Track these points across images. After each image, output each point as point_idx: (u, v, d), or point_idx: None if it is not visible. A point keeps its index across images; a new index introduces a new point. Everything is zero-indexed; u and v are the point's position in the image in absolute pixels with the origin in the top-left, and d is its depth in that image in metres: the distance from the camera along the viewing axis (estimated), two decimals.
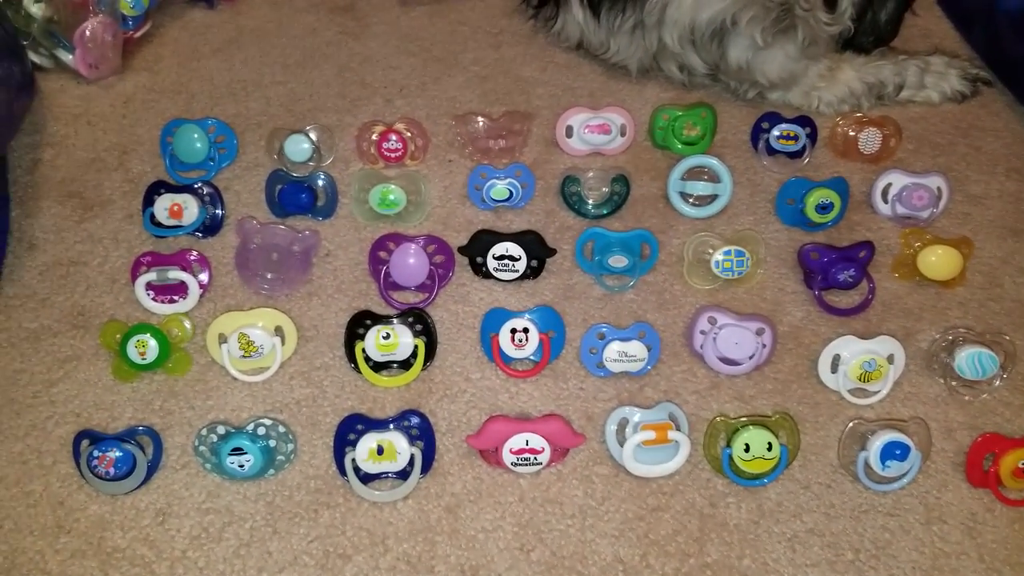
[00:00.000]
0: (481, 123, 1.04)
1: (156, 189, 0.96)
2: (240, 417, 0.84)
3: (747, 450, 0.80)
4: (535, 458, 0.80)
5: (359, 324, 0.87)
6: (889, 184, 1.02)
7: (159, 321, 0.88)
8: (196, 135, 1.00)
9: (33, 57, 1.11)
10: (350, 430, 0.80)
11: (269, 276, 0.92)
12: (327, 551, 0.76)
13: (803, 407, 0.87)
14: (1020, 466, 0.81)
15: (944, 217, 1.03)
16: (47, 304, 0.92)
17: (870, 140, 1.08)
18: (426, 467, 0.81)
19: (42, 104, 1.11)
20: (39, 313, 0.91)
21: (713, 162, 1.00)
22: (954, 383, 0.88)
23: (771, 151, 1.07)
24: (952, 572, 0.77)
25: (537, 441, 0.80)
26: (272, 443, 0.80)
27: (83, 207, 1.00)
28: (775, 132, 1.06)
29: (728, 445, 0.81)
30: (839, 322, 0.93)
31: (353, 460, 0.79)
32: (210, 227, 0.97)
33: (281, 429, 0.81)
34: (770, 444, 0.80)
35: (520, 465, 0.80)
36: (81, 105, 1.11)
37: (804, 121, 1.07)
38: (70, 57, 1.11)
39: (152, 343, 0.84)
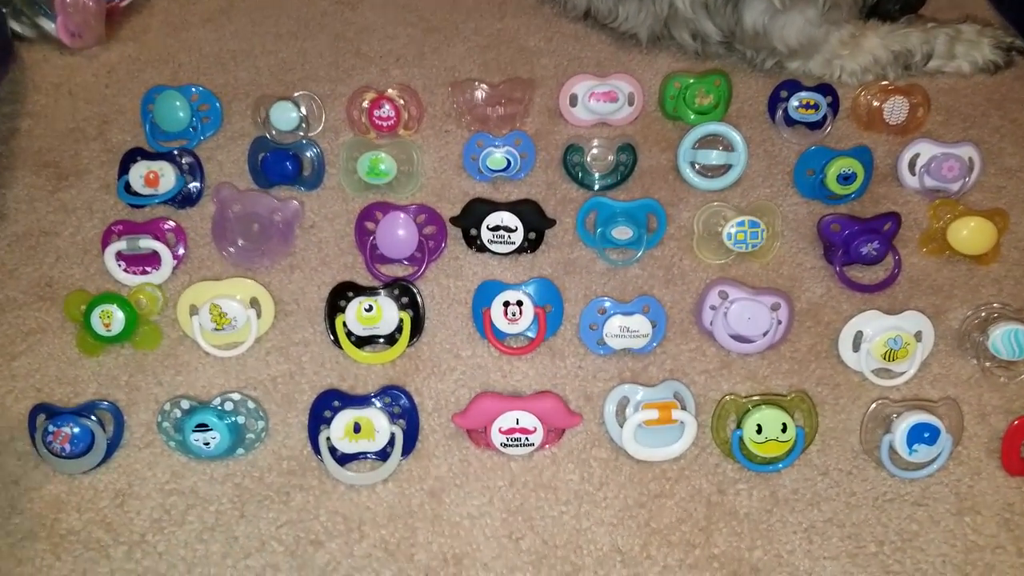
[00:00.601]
0: (480, 90, 0.98)
1: (132, 156, 0.91)
2: (211, 394, 0.78)
3: (759, 431, 0.73)
4: (527, 439, 0.74)
5: (341, 296, 0.81)
6: (917, 154, 0.95)
7: (127, 292, 0.82)
8: (178, 102, 0.95)
9: (15, 26, 1.06)
10: (326, 407, 0.75)
11: (248, 247, 0.86)
12: (298, 537, 0.71)
13: (822, 388, 0.80)
14: None
15: (976, 190, 0.95)
16: (14, 275, 0.87)
17: (896, 110, 1.01)
18: (408, 448, 0.75)
19: (23, 75, 1.06)
20: (4, 284, 0.86)
21: (727, 130, 0.93)
22: (988, 363, 0.81)
23: (790, 121, 1.00)
24: (986, 567, 0.71)
25: (529, 420, 0.74)
26: (241, 420, 0.74)
27: (58, 177, 0.95)
28: (794, 101, 0.99)
29: (739, 426, 0.75)
30: (862, 299, 0.86)
31: (328, 439, 0.73)
32: (188, 197, 0.91)
33: (251, 405, 0.75)
34: (784, 425, 0.73)
35: (510, 446, 0.74)
36: (63, 75, 1.06)
37: (825, 89, 1.00)
38: (52, 25, 1.06)
39: (118, 314, 0.79)
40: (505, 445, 0.74)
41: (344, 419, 0.72)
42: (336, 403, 0.75)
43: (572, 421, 0.76)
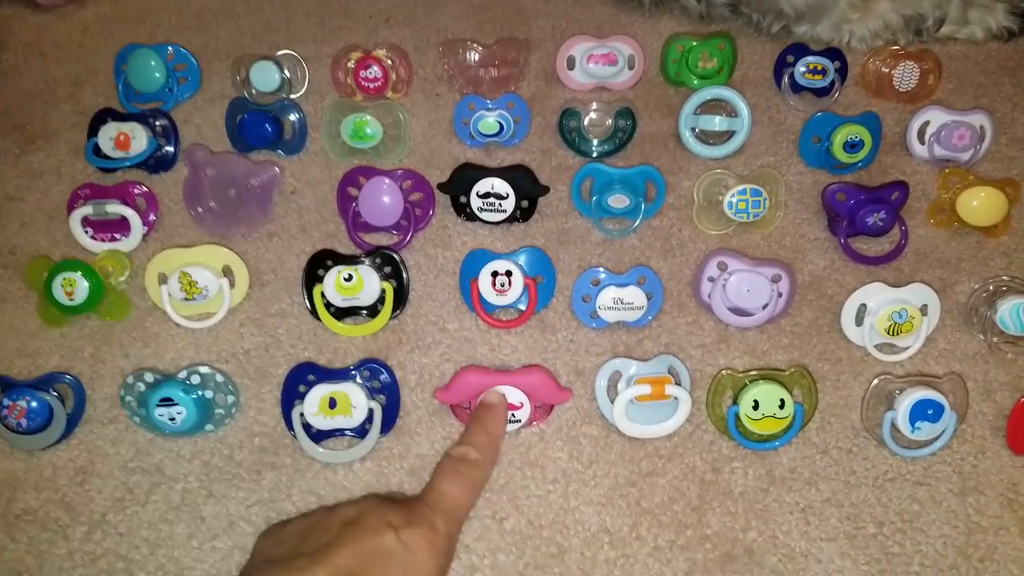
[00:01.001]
0: (472, 51, 0.94)
1: (103, 118, 0.87)
2: (180, 367, 0.74)
3: (756, 408, 0.70)
4: (513, 415, 0.71)
5: (319, 265, 0.77)
6: (927, 122, 0.91)
7: (93, 259, 0.78)
8: (152, 62, 0.91)
9: None
10: (300, 381, 0.71)
11: (223, 213, 0.82)
12: (268, 517, 0.67)
13: (823, 364, 0.76)
14: None
15: (987, 160, 0.92)
16: None
17: (906, 76, 0.96)
18: (388, 425, 0.71)
19: None
20: None
21: (730, 94, 0.89)
22: (996, 339, 0.78)
23: (796, 87, 0.96)
24: (988, 549, 0.68)
25: (515, 395, 0.70)
26: (209, 394, 0.70)
27: (25, 139, 0.91)
28: (800, 66, 0.95)
29: (735, 402, 0.71)
30: (867, 271, 0.82)
31: (302, 415, 0.69)
32: (161, 161, 0.87)
33: (220, 379, 0.71)
34: (782, 401, 0.70)
35: None
36: (34, 35, 1.02)
37: (833, 54, 0.96)
38: None
39: (82, 283, 0.75)
40: None
41: (318, 394, 0.69)
42: (311, 377, 0.71)
43: (561, 396, 0.72)
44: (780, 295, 0.77)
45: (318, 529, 0.59)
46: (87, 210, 0.80)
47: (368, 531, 0.58)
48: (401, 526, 0.58)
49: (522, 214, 0.84)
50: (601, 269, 0.77)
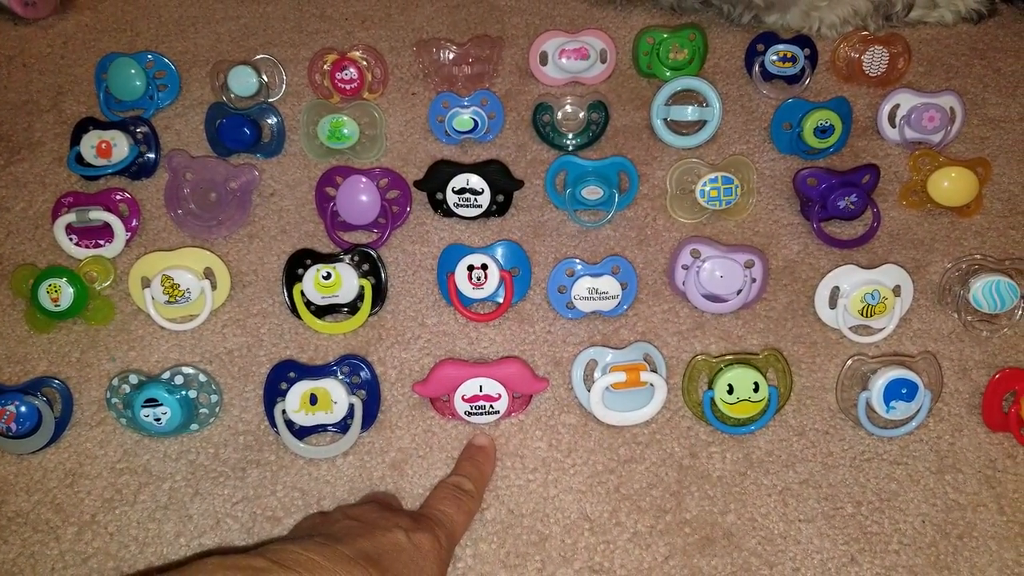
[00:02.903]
0: (446, 49, 0.95)
1: (85, 127, 0.88)
2: (165, 368, 0.75)
3: (730, 392, 0.71)
4: (491, 406, 0.71)
5: (298, 264, 0.78)
6: (897, 105, 0.92)
7: (77, 265, 0.79)
8: (132, 70, 0.92)
9: None
10: (281, 378, 0.72)
11: (204, 216, 0.83)
12: (254, 514, 0.68)
13: (798, 347, 0.78)
14: None
15: (958, 141, 0.93)
16: None
17: (876, 60, 0.98)
18: (369, 419, 0.72)
19: None
20: None
21: (700, 84, 0.90)
22: (970, 317, 0.79)
23: (767, 75, 0.97)
24: (967, 526, 0.68)
25: (492, 387, 0.71)
26: (192, 394, 0.71)
27: (9, 150, 0.92)
28: (771, 55, 0.96)
29: (710, 387, 0.72)
30: (840, 255, 0.84)
31: (284, 412, 0.70)
32: (143, 167, 0.89)
33: (203, 378, 0.72)
34: (757, 384, 0.71)
35: (475, 415, 0.72)
36: (16, 47, 1.03)
37: (803, 41, 0.97)
38: None
39: (67, 289, 0.76)
40: (469, 414, 0.72)
41: (299, 391, 0.70)
42: (292, 374, 0.72)
43: (538, 386, 0.73)
44: (754, 280, 0.78)
45: (332, 522, 0.61)
46: (71, 217, 0.81)
47: (380, 528, 0.59)
48: (410, 528, 0.60)
49: (498, 208, 0.85)
50: (576, 260, 0.78)
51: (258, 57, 0.94)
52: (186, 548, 0.67)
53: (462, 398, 0.71)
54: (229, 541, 0.67)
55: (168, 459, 0.71)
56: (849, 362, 0.74)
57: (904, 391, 0.71)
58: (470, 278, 0.77)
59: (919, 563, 0.66)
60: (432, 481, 0.69)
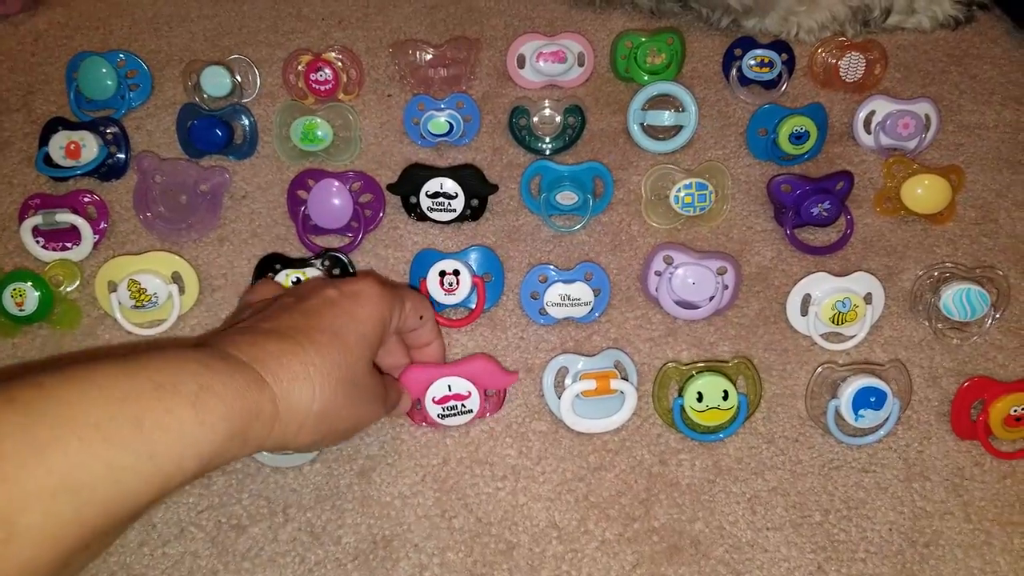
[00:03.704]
0: (422, 51, 0.94)
1: (54, 127, 0.87)
2: None
3: (700, 399, 0.71)
4: (462, 405, 0.71)
5: (268, 268, 0.78)
6: (872, 112, 0.92)
7: (43, 269, 0.78)
8: (103, 69, 0.91)
9: None
10: None
11: (174, 219, 0.82)
12: (219, 522, 0.68)
13: (769, 354, 0.77)
14: (1013, 413, 0.71)
15: (933, 148, 0.93)
16: None
17: (853, 66, 0.98)
18: None
19: None
20: None
21: (677, 89, 0.90)
22: (940, 325, 0.79)
23: (744, 80, 0.97)
24: (935, 534, 0.68)
25: (461, 384, 0.71)
26: None
27: None
28: (748, 59, 0.96)
29: (680, 395, 0.72)
30: (814, 261, 0.84)
31: None
32: (113, 169, 0.88)
33: None
34: (726, 392, 0.71)
35: (448, 416, 0.71)
36: None
37: (780, 47, 0.97)
38: None
39: (32, 293, 0.75)
40: (442, 416, 0.71)
41: None
42: None
43: (507, 380, 0.73)
44: (726, 287, 0.78)
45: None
46: (37, 220, 0.80)
47: (309, 293, 0.60)
48: (344, 284, 0.60)
49: (472, 213, 0.85)
50: (550, 266, 0.78)
51: (232, 57, 0.93)
52: (149, 557, 0.66)
53: (432, 400, 0.70)
54: (194, 550, 0.66)
55: None
56: (819, 369, 0.74)
57: (873, 399, 0.71)
58: (442, 284, 0.77)
59: (885, 571, 0.67)
60: (401, 489, 0.69)
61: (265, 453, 0.70)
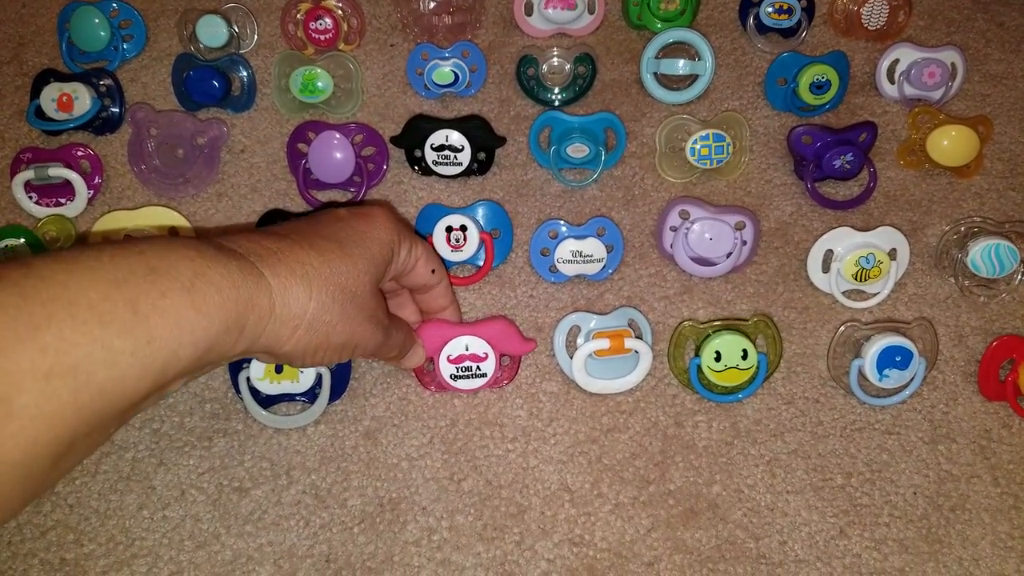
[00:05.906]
0: None
1: (45, 79, 0.84)
2: None
3: (718, 359, 0.68)
4: (478, 367, 0.69)
5: (268, 224, 0.75)
6: (896, 60, 0.88)
7: (36, 224, 0.76)
8: (96, 19, 0.87)
9: None
10: None
11: (170, 174, 0.79)
12: (220, 484, 0.66)
13: (789, 312, 0.75)
14: None
15: (959, 99, 0.89)
16: None
17: (876, 13, 0.94)
18: (339, 389, 0.70)
19: None
20: None
21: (692, 36, 0.86)
22: (967, 282, 0.76)
23: (762, 28, 0.93)
24: (960, 498, 0.66)
25: (479, 345, 0.68)
26: None
27: None
28: (766, 6, 0.92)
29: (697, 354, 0.69)
30: (835, 216, 0.81)
31: (248, 379, 0.67)
32: (107, 122, 0.84)
33: None
34: (745, 351, 0.68)
35: (461, 377, 0.69)
36: None
37: None
38: None
39: (24, 250, 0.72)
40: (455, 376, 0.69)
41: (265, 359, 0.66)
42: None
43: (525, 347, 0.70)
44: (744, 243, 0.75)
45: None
46: (29, 174, 0.77)
47: (319, 213, 0.59)
48: (354, 207, 0.59)
49: (479, 166, 0.82)
50: (560, 221, 0.75)
51: (228, 6, 0.90)
52: (149, 520, 0.64)
53: (447, 359, 0.68)
54: (195, 513, 0.64)
55: (131, 428, 0.68)
56: (842, 328, 0.72)
57: (898, 359, 0.68)
58: (448, 240, 0.74)
59: (910, 536, 0.64)
60: (408, 451, 0.67)
61: (263, 412, 0.67)
